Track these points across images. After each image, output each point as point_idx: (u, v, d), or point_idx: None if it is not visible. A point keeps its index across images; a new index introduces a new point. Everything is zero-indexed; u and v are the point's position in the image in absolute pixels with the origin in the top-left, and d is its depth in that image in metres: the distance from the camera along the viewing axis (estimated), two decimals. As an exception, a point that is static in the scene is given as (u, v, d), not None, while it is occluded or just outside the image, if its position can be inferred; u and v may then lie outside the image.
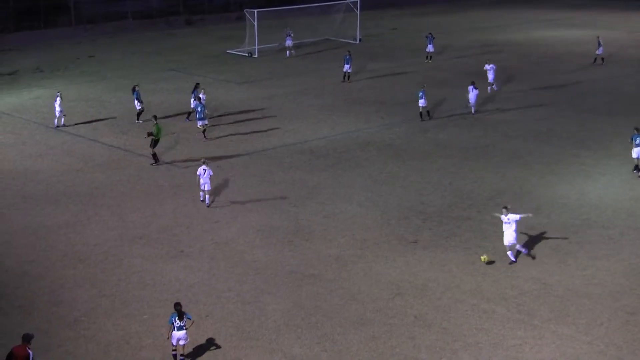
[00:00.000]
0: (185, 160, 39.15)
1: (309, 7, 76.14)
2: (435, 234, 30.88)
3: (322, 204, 33.85)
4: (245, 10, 69.67)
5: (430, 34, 64.42)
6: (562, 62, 63.11)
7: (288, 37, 66.70)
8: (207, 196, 33.67)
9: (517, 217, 28.15)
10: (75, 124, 45.42)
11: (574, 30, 75.37)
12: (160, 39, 76.06)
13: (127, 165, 38.84)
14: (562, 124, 45.44)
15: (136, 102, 46.06)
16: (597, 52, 61.86)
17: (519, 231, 28.49)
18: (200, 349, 23.16)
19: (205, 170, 33.26)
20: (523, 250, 28.71)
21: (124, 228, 31.60)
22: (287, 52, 66.07)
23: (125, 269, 28.09)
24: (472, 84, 47.44)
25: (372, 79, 56.40)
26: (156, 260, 28.75)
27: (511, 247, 28.44)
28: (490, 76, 52.34)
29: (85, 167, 38.71)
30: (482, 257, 28.22)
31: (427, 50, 63.70)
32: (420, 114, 46.46)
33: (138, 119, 45.95)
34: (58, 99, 45.07)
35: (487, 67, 52.66)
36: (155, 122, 38.86)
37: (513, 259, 28.36)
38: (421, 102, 46.20)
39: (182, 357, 22.45)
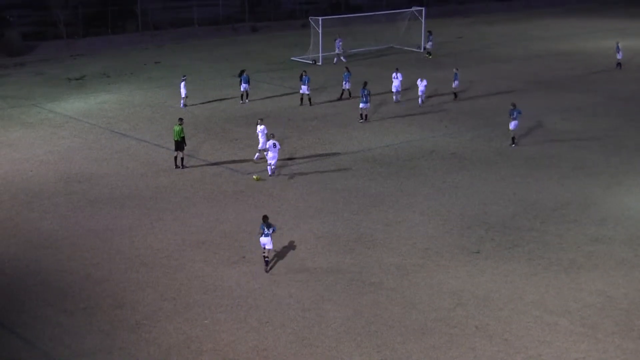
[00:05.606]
0: (242, 162, 39.45)
1: (374, 14, 76.13)
2: (498, 244, 30.55)
3: (384, 212, 33.73)
4: (310, 17, 69.92)
5: (430, 31, 70.29)
6: (631, 71, 62.09)
7: (338, 45, 66.91)
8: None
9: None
10: (202, 103, 52.93)
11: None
12: (225, 45, 76.74)
13: (190, 170, 39.17)
14: (631, 135, 44.64)
15: (243, 84, 52.33)
16: (617, 57, 63.16)
17: None
18: (261, 356, 23.25)
19: (276, 144, 37.50)
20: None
21: (187, 233, 31.85)
22: (335, 58, 66.43)
23: (187, 273, 28.30)
24: None
25: (435, 87, 56.09)
26: (218, 265, 28.92)
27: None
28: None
29: (149, 172, 39.14)
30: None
31: (427, 46, 69.99)
32: (454, 94, 53.09)
33: (244, 100, 52.60)
34: (184, 82, 51.60)
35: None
36: (178, 124, 39.58)
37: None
38: (454, 84, 52.55)
39: (266, 259, 28.14)
